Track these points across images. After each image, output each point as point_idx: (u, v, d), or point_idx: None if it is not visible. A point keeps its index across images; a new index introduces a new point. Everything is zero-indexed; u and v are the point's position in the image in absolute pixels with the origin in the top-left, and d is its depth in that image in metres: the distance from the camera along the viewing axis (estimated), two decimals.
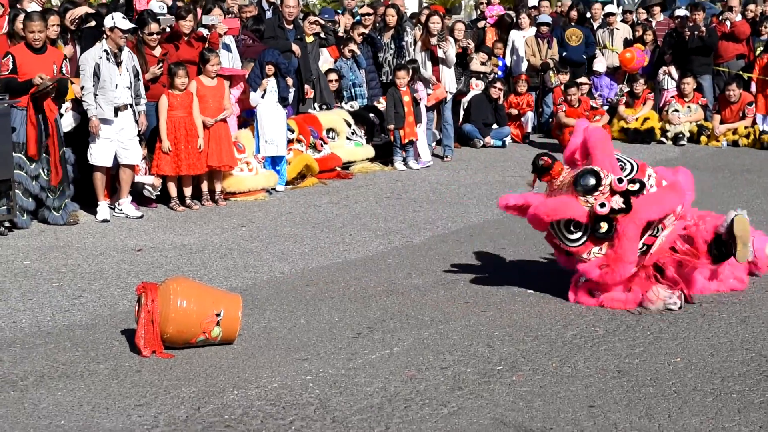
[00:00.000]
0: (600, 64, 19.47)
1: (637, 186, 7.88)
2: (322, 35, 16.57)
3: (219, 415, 5.89)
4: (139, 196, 12.34)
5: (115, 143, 11.59)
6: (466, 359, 6.87)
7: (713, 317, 7.80)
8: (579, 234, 7.94)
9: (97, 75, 11.40)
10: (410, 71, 15.47)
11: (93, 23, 12.52)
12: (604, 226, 7.84)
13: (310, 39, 15.94)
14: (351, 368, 6.70)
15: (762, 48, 18.64)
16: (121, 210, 11.87)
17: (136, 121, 11.80)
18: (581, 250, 7.99)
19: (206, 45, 13.11)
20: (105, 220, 11.53)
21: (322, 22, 16.77)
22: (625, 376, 6.52)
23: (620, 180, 7.83)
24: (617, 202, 7.81)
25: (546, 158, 8.30)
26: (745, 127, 17.65)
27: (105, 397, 6.18)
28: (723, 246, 7.93)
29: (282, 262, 9.71)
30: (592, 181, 7.88)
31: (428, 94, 15.80)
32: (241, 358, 6.89)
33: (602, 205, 7.80)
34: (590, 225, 7.89)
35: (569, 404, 6.04)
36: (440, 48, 15.82)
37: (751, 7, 20.03)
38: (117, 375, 6.58)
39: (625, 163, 8.09)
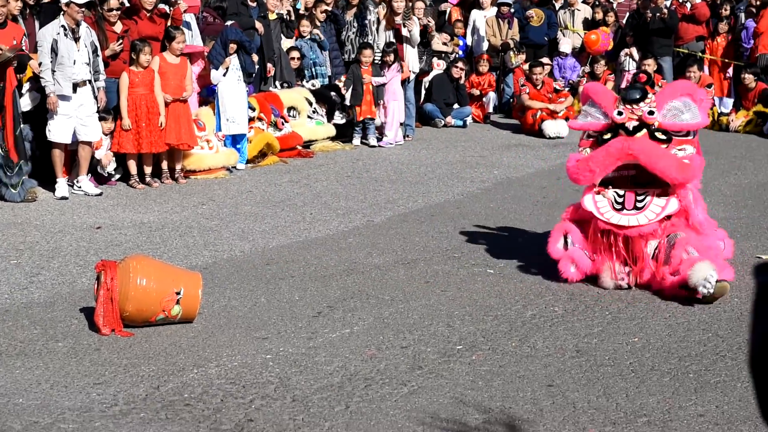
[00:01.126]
0: (566, 45, 19.50)
1: (664, 137, 8.14)
2: (285, 16, 16.48)
3: (178, 394, 5.88)
4: (97, 173, 12.25)
5: (74, 120, 11.49)
6: (426, 338, 6.89)
7: (670, 298, 7.85)
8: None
9: (54, 51, 11.30)
10: (392, 54, 15.52)
11: None
12: (607, 136, 8.23)
13: (273, 17, 15.85)
14: (311, 347, 6.70)
15: (726, 30, 18.82)
16: (80, 187, 11.77)
17: (95, 98, 11.70)
18: (582, 144, 8.53)
19: (169, 21, 13.01)
20: (63, 197, 11.45)
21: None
22: (584, 356, 6.57)
23: (651, 112, 8.17)
24: (632, 123, 8.15)
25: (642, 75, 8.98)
26: None
27: (64, 376, 6.15)
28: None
29: (242, 241, 9.69)
30: (638, 92, 8.32)
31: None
32: (201, 337, 6.87)
33: (619, 113, 8.22)
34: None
35: (528, 383, 6.08)
36: (405, 27, 15.80)
37: None
38: (76, 353, 6.55)
39: (685, 110, 8.36)
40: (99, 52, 11.87)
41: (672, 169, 7.97)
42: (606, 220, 8.06)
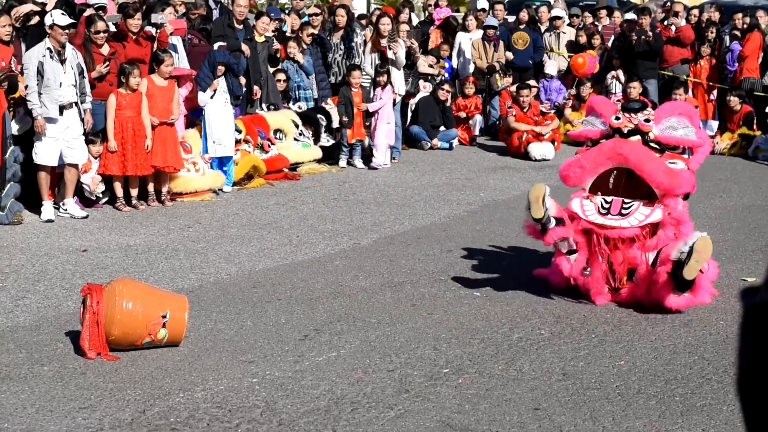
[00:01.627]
0: (552, 67, 19.56)
1: (658, 147, 8.30)
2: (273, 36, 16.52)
3: (164, 418, 5.86)
4: (83, 196, 12.23)
5: (61, 142, 11.49)
6: (412, 362, 6.89)
7: (657, 321, 7.88)
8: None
9: (41, 73, 11.30)
10: (386, 76, 15.56)
11: (38, 20, 12.39)
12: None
13: (261, 39, 15.87)
14: (298, 370, 6.69)
15: (708, 53, 18.94)
16: (66, 210, 11.73)
17: (82, 120, 11.70)
18: (580, 152, 8.67)
19: (155, 44, 13.02)
20: (49, 220, 11.42)
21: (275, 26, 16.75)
22: (570, 379, 6.57)
23: (647, 120, 8.34)
24: (628, 128, 8.32)
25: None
26: None
27: (49, 400, 6.13)
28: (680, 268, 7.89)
29: (229, 264, 9.68)
30: (637, 105, 8.58)
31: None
32: (187, 361, 6.86)
33: (617, 118, 8.40)
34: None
35: (515, 407, 6.08)
36: (390, 49, 15.84)
37: (695, 12, 20.29)
38: (61, 377, 6.53)
39: (680, 127, 8.50)
40: (85, 75, 11.88)
41: (659, 174, 8.03)
42: (588, 219, 8.12)
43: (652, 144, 8.27)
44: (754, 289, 1.51)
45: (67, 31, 11.57)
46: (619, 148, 8.16)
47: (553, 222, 8.14)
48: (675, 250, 7.83)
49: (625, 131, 8.30)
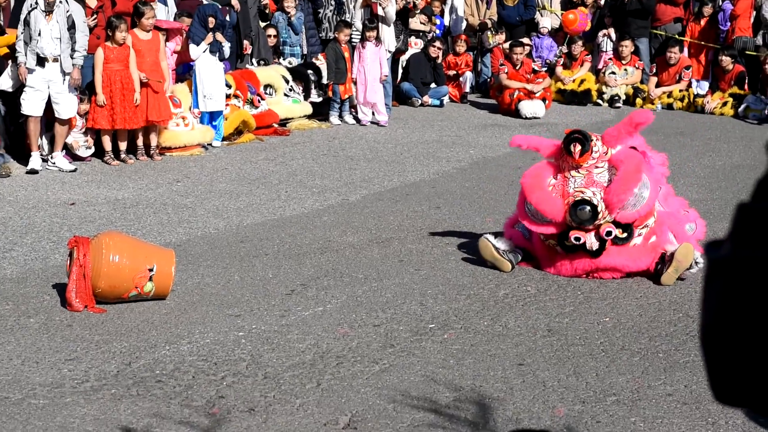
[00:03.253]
0: (546, 21, 19.48)
1: (624, 235, 7.87)
2: None
3: (150, 371, 5.88)
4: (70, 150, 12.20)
5: (45, 94, 11.43)
6: (398, 317, 6.91)
7: (642, 278, 7.90)
8: (550, 231, 7.96)
9: (27, 23, 11.26)
10: (375, 32, 15.48)
11: None
12: (571, 243, 7.86)
13: None
14: (284, 325, 6.71)
15: (710, 13, 18.90)
16: (54, 163, 11.71)
17: (64, 73, 11.59)
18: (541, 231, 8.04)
19: None
20: (33, 170, 11.39)
21: None
22: (555, 335, 6.60)
23: (609, 233, 7.79)
24: (592, 243, 7.83)
25: (578, 145, 7.93)
26: (680, 91, 17.85)
27: (35, 351, 6.14)
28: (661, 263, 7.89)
29: (217, 218, 9.68)
30: (588, 215, 7.77)
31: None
32: (174, 314, 6.88)
33: (577, 238, 7.81)
34: (558, 234, 7.93)
35: (499, 362, 6.11)
36: (380, 5, 15.77)
37: None
38: (48, 329, 6.54)
39: (638, 200, 7.83)
40: (81, 29, 11.71)
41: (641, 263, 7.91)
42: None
43: (620, 235, 7.85)
44: (718, 242, 1.52)
45: None
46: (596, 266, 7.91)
47: (520, 253, 8.16)
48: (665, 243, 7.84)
49: (594, 249, 7.81)
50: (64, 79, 11.60)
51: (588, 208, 7.75)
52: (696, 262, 7.81)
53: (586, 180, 7.91)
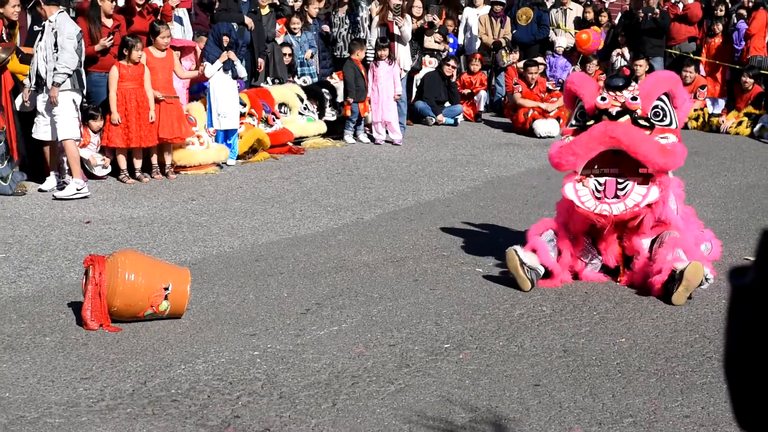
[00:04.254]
0: (562, 40, 19.48)
1: (647, 124, 8.15)
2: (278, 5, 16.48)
3: (165, 390, 5.88)
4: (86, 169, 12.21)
5: (46, 117, 11.32)
6: (413, 337, 6.90)
7: (658, 299, 7.87)
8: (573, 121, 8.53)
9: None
10: (387, 50, 15.51)
11: None
12: (590, 122, 8.21)
13: (265, 11, 15.84)
14: (299, 344, 6.70)
15: (720, 31, 18.89)
16: (80, 190, 11.26)
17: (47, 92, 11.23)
18: (565, 132, 8.64)
19: (159, 17, 12.99)
20: (42, 190, 11.37)
21: None
22: (571, 356, 6.58)
23: (634, 98, 8.17)
24: (615, 108, 8.12)
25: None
26: (695, 110, 17.82)
27: (51, 370, 6.14)
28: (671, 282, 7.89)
29: (232, 237, 9.69)
30: (620, 82, 8.29)
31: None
32: (189, 333, 6.88)
33: (603, 98, 8.20)
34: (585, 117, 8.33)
35: (515, 383, 6.09)
36: (396, 24, 15.80)
37: None
38: (63, 348, 6.54)
39: (666, 113, 8.35)
40: (64, 46, 11.09)
41: (654, 154, 7.96)
42: (586, 210, 8.08)
43: (641, 122, 8.17)
44: (742, 269, 1.51)
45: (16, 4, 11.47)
46: (610, 132, 8.01)
47: (541, 271, 8.16)
48: (675, 261, 7.84)
49: (613, 112, 8.10)
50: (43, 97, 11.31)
51: (622, 78, 8.50)
52: (706, 279, 7.81)
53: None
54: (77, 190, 11.21)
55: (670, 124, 8.31)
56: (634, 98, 8.17)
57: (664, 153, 7.99)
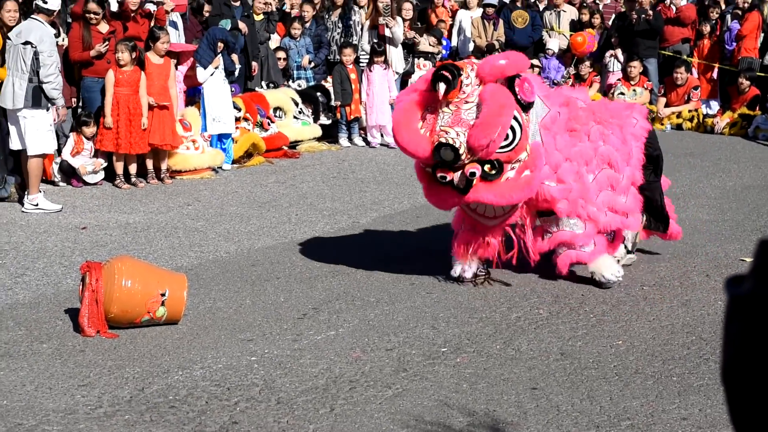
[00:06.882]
0: (553, 43, 19.49)
1: (494, 171, 7.55)
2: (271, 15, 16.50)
3: (163, 396, 5.88)
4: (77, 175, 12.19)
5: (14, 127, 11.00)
6: (411, 341, 6.90)
7: (655, 300, 7.89)
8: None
9: None
10: (383, 56, 15.50)
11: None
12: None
13: (259, 17, 15.86)
14: (296, 349, 6.70)
15: (708, 32, 18.91)
16: (36, 205, 10.86)
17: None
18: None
19: (153, 22, 12.99)
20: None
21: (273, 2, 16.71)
22: (568, 359, 6.59)
23: (473, 174, 7.48)
24: (459, 181, 7.57)
25: (442, 84, 7.52)
26: (689, 111, 17.85)
27: (48, 377, 6.14)
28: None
29: (228, 242, 9.69)
30: (450, 156, 7.45)
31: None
32: (186, 339, 6.87)
33: (443, 177, 7.57)
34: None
35: (512, 386, 6.10)
36: (387, 26, 15.80)
37: None
38: (60, 355, 6.54)
39: (511, 129, 7.53)
40: (43, 57, 10.69)
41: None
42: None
43: (488, 170, 7.59)
44: (740, 278, 1.52)
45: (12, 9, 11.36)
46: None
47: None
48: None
49: (461, 186, 7.61)
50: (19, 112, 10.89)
51: (450, 149, 7.44)
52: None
53: (453, 117, 7.55)
54: (33, 206, 10.82)
55: (515, 140, 7.54)
56: (472, 173, 7.53)
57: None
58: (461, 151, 7.39)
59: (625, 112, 8.68)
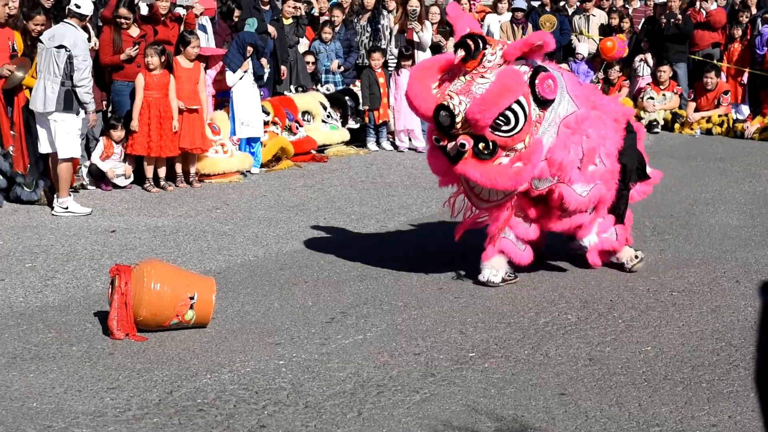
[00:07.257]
0: (583, 48, 19.41)
1: (487, 151, 7.70)
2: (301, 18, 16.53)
3: (192, 399, 5.89)
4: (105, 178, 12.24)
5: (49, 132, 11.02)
6: (438, 345, 6.90)
7: (684, 306, 7.85)
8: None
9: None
10: (412, 60, 15.48)
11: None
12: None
13: (288, 21, 15.89)
14: (324, 353, 6.71)
15: (740, 36, 18.79)
16: (66, 209, 10.94)
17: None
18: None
19: (182, 26, 13.04)
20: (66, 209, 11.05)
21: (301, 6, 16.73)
22: (597, 364, 6.56)
23: (462, 145, 7.67)
24: (451, 149, 7.80)
25: (462, 50, 7.73)
26: (719, 116, 17.75)
27: (77, 380, 6.17)
28: None
29: (256, 246, 9.71)
30: (447, 120, 7.67)
31: None
32: (215, 342, 6.89)
33: (437, 139, 7.91)
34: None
35: (540, 392, 6.08)
36: (415, 30, 15.79)
37: None
38: (90, 357, 6.57)
39: (514, 116, 7.64)
40: (77, 61, 10.77)
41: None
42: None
43: (482, 148, 7.74)
44: None
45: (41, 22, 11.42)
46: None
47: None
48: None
49: (452, 154, 7.82)
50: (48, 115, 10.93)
51: (448, 115, 7.65)
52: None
53: (464, 86, 7.72)
54: (63, 209, 10.89)
55: (515, 127, 7.67)
56: (462, 145, 7.70)
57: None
58: (457, 120, 7.64)
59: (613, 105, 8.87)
